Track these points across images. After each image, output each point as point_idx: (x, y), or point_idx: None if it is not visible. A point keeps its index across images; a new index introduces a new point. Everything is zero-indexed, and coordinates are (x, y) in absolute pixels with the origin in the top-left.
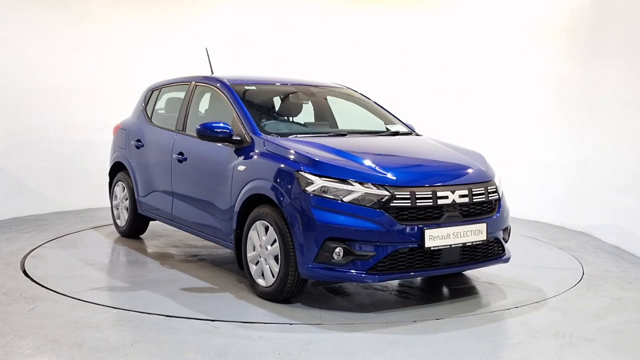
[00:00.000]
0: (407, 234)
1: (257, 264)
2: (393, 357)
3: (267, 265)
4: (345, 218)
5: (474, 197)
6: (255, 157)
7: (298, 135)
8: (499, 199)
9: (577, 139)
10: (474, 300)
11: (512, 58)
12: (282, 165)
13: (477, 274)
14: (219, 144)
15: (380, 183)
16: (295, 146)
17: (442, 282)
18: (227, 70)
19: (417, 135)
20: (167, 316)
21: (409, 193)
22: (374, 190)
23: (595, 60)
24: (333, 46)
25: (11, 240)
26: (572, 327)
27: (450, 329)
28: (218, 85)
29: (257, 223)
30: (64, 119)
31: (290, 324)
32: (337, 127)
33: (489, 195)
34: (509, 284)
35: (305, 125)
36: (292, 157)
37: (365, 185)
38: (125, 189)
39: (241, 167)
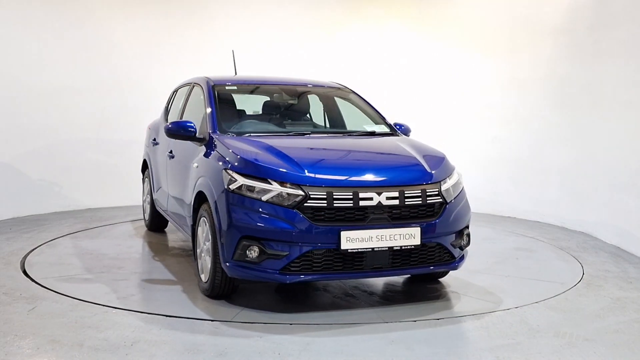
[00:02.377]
0: (322, 235)
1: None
2: (393, 357)
3: (205, 262)
4: (260, 217)
5: (406, 200)
6: (206, 155)
7: (252, 135)
8: (445, 203)
9: (577, 139)
10: (473, 300)
11: (512, 58)
12: (217, 163)
13: (474, 274)
14: (194, 143)
15: (298, 183)
16: (234, 145)
17: (440, 283)
18: (254, 71)
19: (396, 136)
20: (167, 316)
21: (325, 193)
22: (289, 190)
23: (595, 60)
24: (340, 48)
25: (11, 240)
26: (572, 327)
27: (450, 329)
28: (202, 85)
29: (202, 219)
30: (64, 118)
31: (290, 324)
32: (344, 127)
33: (428, 198)
34: (508, 284)
35: (283, 124)
36: (225, 155)
37: (282, 185)
38: (148, 185)
39: (195, 165)
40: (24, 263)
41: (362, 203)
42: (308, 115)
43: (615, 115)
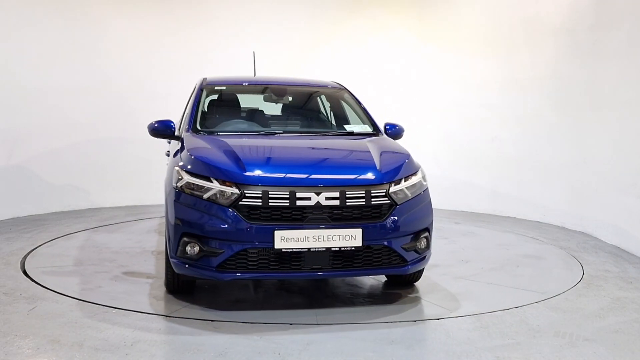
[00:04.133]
0: (256, 234)
1: None
2: (393, 357)
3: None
4: (199, 214)
5: (347, 200)
6: (175, 153)
7: (221, 134)
8: (393, 205)
9: (577, 139)
10: (473, 300)
11: (512, 58)
12: (174, 161)
13: (457, 280)
14: (175, 141)
15: (235, 181)
16: (194, 143)
17: (440, 283)
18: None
19: (377, 136)
20: (167, 316)
21: (260, 192)
22: (226, 188)
23: (595, 60)
24: (341, 49)
25: (11, 240)
26: (572, 327)
27: (449, 329)
28: (197, 85)
29: None
30: (63, 119)
31: (290, 324)
32: (329, 126)
33: (373, 199)
34: (507, 285)
35: (267, 124)
36: (182, 154)
37: (222, 183)
38: None
39: (167, 163)
40: (24, 263)
41: (299, 203)
42: (296, 114)
43: (615, 115)
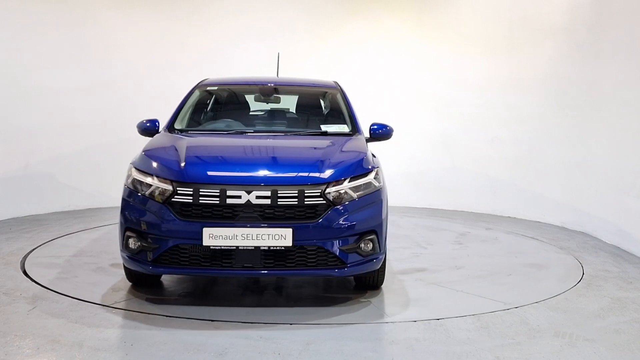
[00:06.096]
0: (186, 231)
1: None
2: (393, 357)
3: None
4: (139, 210)
5: (279, 200)
6: None
7: (190, 132)
8: (330, 205)
9: (577, 139)
10: (473, 300)
11: (512, 58)
12: (132, 159)
13: (450, 280)
14: None
15: (171, 179)
16: (155, 141)
17: (406, 287)
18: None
19: (351, 136)
20: (167, 316)
21: (192, 189)
22: (162, 185)
23: (595, 60)
24: (340, 48)
25: (11, 240)
26: (572, 327)
27: (449, 329)
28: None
29: None
30: (64, 119)
31: (291, 324)
32: (312, 127)
33: (307, 199)
34: (508, 284)
35: (252, 123)
36: (139, 151)
37: (159, 180)
38: None
39: None
40: (24, 263)
41: (229, 201)
42: (279, 115)
43: (615, 115)
